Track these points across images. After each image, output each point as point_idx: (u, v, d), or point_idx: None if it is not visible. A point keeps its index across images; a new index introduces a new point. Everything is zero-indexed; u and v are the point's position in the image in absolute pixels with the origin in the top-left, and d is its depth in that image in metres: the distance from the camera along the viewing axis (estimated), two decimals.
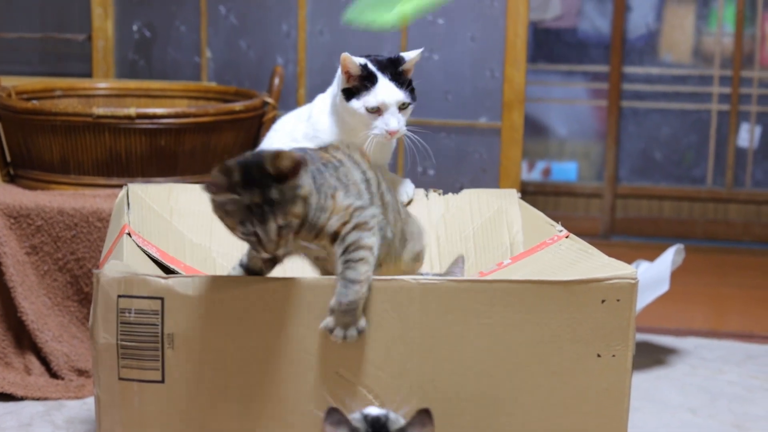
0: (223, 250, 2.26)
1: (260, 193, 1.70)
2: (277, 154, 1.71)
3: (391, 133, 2.24)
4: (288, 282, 1.79)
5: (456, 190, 2.46)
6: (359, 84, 2.23)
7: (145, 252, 2.03)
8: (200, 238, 2.26)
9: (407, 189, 2.41)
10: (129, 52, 3.75)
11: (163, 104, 3.25)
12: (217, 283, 1.78)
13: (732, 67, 4.62)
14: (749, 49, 4.64)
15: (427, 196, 2.43)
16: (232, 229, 1.75)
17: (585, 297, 1.81)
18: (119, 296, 1.77)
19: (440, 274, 2.17)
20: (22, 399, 2.67)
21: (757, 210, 4.65)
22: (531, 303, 1.80)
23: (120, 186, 2.45)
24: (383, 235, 1.86)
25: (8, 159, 3.01)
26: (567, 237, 2.12)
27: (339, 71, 2.30)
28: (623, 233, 4.70)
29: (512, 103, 3.57)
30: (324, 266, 1.92)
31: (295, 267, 1.95)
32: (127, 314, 1.76)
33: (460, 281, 1.81)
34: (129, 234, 2.04)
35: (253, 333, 1.78)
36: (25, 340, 2.78)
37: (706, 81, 4.68)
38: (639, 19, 4.72)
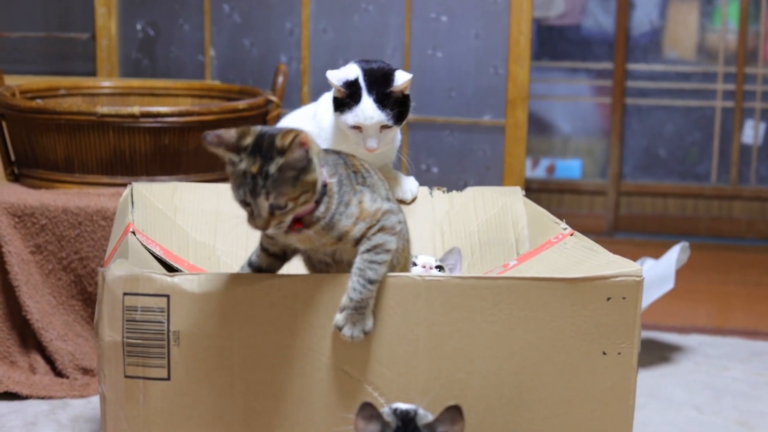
0: (227, 249, 2.26)
1: (260, 164, 1.67)
2: (287, 131, 1.69)
3: (369, 151, 2.24)
4: (293, 279, 1.79)
5: (460, 187, 2.46)
6: (346, 98, 2.23)
7: (149, 251, 2.03)
8: (204, 236, 2.27)
9: (411, 186, 2.41)
10: (133, 51, 3.75)
11: (166, 103, 3.25)
12: (222, 280, 1.78)
13: (736, 64, 4.62)
14: (753, 46, 4.64)
15: (431, 193, 2.43)
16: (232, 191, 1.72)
17: (590, 294, 1.81)
18: (125, 294, 1.77)
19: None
20: (27, 398, 2.67)
21: (761, 207, 4.65)
22: (536, 300, 1.80)
23: (124, 185, 2.45)
24: (403, 242, 1.86)
25: (12, 158, 3.01)
26: (572, 235, 2.11)
27: None
28: (627, 231, 4.70)
29: (516, 101, 3.56)
30: (327, 271, 1.90)
31: (301, 266, 1.95)
32: (134, 312, 1.76)
33: (465, 278, 1.81)
34: (133, 233, 2.04)
35: (258, 330, 1.78)
36: (29, 339, 2.79)
37: (710, 78, 4.67)
38: (643, 17, 4.72)
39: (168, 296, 1.77)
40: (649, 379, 2.90)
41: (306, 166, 1.69)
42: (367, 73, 2.25)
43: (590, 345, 1.82)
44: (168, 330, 1.77)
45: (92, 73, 3.76)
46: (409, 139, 3.62)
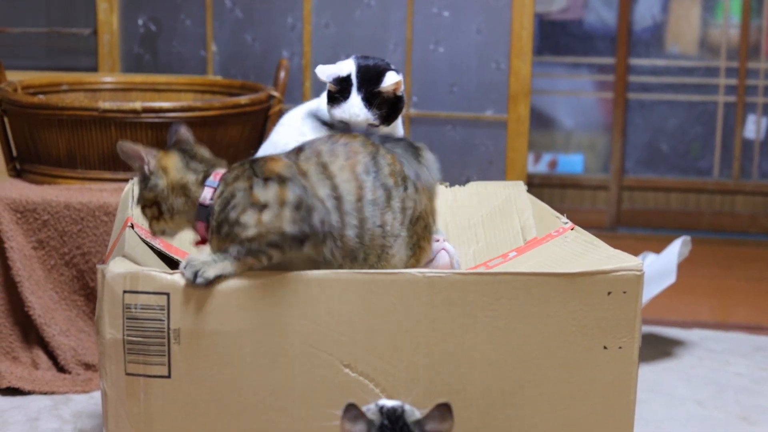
0: None
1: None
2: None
3: None
4: (294, 276, 1.79)
5: (462, 182, 2.46)
6: (336, 93, 2.24)
7: (147, 244, 2.03)
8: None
9: None
10: (134, 46, 3.75)
11: (168, 98, 3.25)
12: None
13: (738, 59, 4.61)
14: (755, 40, 4.63)
15: None
16: None
17: (591, 289, 1.81)
18: (125, 292, 1.77)
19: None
20: (29, 393, 2.67)
21: (763, 201, 4.65)
22: (537, 295, 1.80)
23: (126, 180, 2.46)
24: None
25: (14, 153, 3.01)
26: (572, 229, 2.11)
27: None
28: (630, 225, 4.70)
29: (518, 96, 3.56)
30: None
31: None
32: (134, 310, 1.77)
33: (466, 274, 1.81)
34: (132, 226, 2.05)
35: (259, 327, 1.78)
36: (32, 335, 2.79)
37: (712, 72, 4.67)
38: (645, 11, 4.71)
39: (168, 294, 1.77)
40: (651, 374, 2.91)
41: (152, 179, 1.86)
42: (360, 71, 2.25)
43: (591, 339, 1.82)
44: (168, 328, 1.77)
45: (94, 69, 3.76)
46: (412, 134, 3.62)
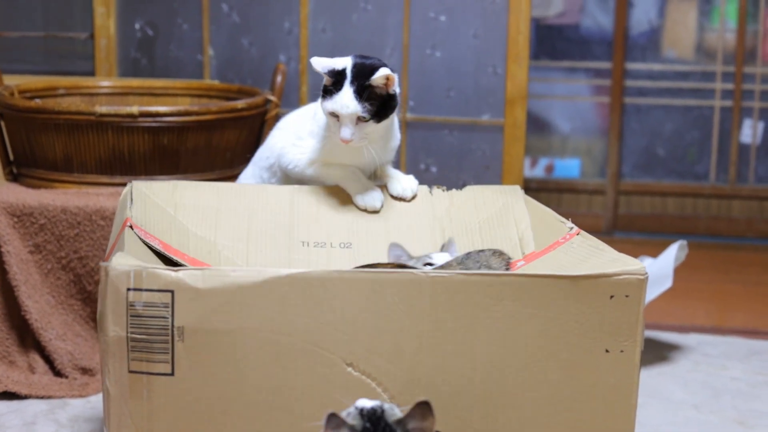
0: (228, 243, 2.26)
1: None
2: None
3: (343, 141, 2.26)
4: (298, 275, 1.79)
5: (459, 186, 2.46)
6: (331, 85, 2.26)
7: (147, 244, 2.03)
8: (205, 231, 2.26)
9: (411, 185, 2.42)
10: (131, 51, 3.75)
11: (165, 102, 3.25)
12: (227, 275, 1.78)
13: (735, 63, 4.62)
14: (752, 45, 4.64)
15: (430, 192, 2.43)
16: None
17: (593, 292, 1.81)
18: (128, 289, 1.77)
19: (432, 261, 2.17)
20: (26, 397, 2.67)
21: (760, 206, 4.65)
22: (539, 297, 1.80)
23: (123, 184, 2.46)
24: None
25: (11, 158, 3.01)
26: (578, 234, 2.12)
27: None
28: (626, 230, 4.70)
29: (515, 100, 3.57)
30: None
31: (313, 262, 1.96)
32: (138, 307, 1.77)
33: (469, 275, 1.81)
34: (131, 227, 2.05)
35: (262, 326, 1.79)
36: (28, 339, 2.79)
37: (708, 77, 4.68)
38: (641, 16, 4.72)
39: (172, 291, 1.77)
40: (647, 378, 2.91)
41: None
42: (356, 66, 2.27)
43: (593, 342, 1.82)
44: (172, 325, 1.77)
45: (91, 73, 3.76)
46: (408, 139, 3.62)
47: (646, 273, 1.83)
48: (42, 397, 2.67)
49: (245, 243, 2.26)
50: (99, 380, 2.71)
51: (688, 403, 2.76)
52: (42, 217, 2.76)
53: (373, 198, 2.37)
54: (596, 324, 1.82)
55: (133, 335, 1.78)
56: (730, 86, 4.64)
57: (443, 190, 2.45)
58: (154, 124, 2.82)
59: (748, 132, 4.65)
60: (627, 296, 1.82)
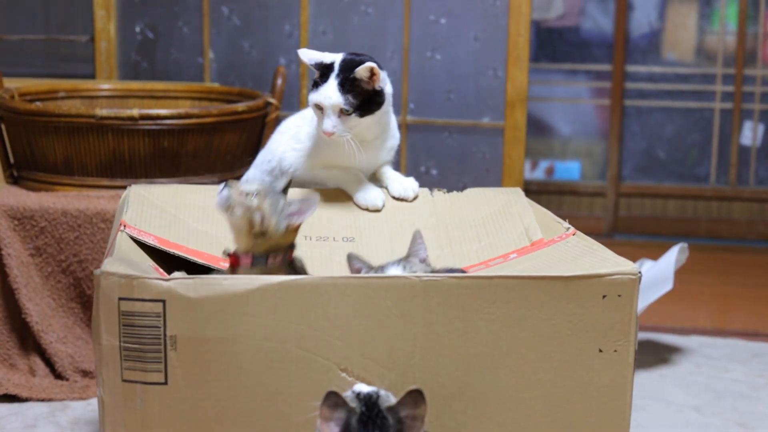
0: (230, 236, 2.26)
1: None
2: None
3: (325, 133, 2.26)
4: (290, 282, 1.79)
5: (459, 189, 2.46)
6: (319, 79, 2.27)
7: (139, 242, 2.03)
8: (205, 226, 2.25)
9: (412, 185, 2.42)
10: (132, 54, 3.75)
11: (166, 105, 3.25)
12: (218, 284, 1.78)
13: (735, 66, 4.62)
14: (752, 47, 4.64)
15: (431, 194, 2.43)
16: None
17: (586, 292, 1.81)
18: (120, 299, 1.77)
19: (402, 259, 2.12)
20: (26, 400, 2.67)
21: (760, 208, 4.65)
22: (532, 299, 1.80)
23: (123, 187, 2.46)
24: None
25: (12, 160, 3.01)
26: (574, 234, 2.12)
27: None
28: (626, 232, 4.70)
29: (515, 103, 3.57)
30: None
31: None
32: (130, 317, 1.76)
33: (461, 278, 1.81)
34: (124, 227, 2.05)
35: (255, 333, 1.78)
36: (29, 342, 2.79)
37: (709, 79, 4.68)
38: (642, 18, 4.72)
39: (164, 301, 1.77)
40: (648, 381, 2.90)
41: None
42: (345, 61, 2.28)
43: (586, 342, 1.83)
44: (164, 335, 1.77)
45: (91, 76, 3.76)
46: (409, 141, 3.62)
47: (639, 273, 1.83)
48: (42, 400, 2.67)
49: None
50: None
51: (689, 405, 2.76)
52: (42, 220, 2.76)
53: (375, 196, 2.36)
54: (589, 324, 1.82)
55: (126, 344, 1.78)
56: (730, 88, 4.64)
57: (444, 192, 2.45)
58: (154, 127, 2.82)
59: (749, 134, 4.65)
60: (619, 296, 1.82)
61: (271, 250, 1.96)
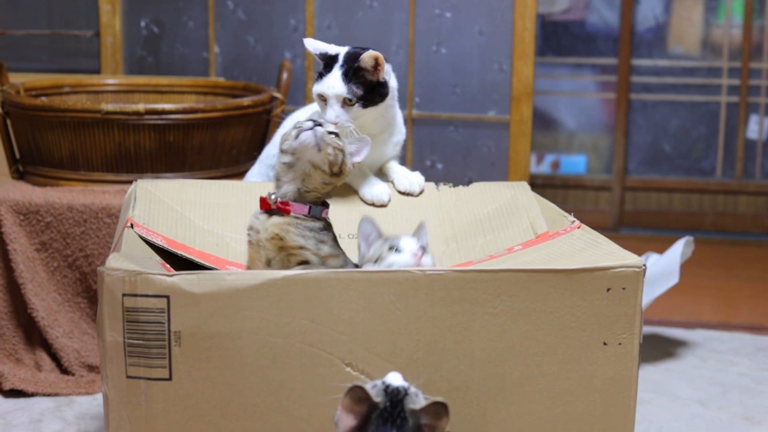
0: (237, 236, 2.26)
1: None
2: None
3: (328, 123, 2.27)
4: (293, 276, 1.79)
5: (465, 183, 2.46)
6: (323, 70, 2.28)
7: (149, 242, 2.03)
8: (212, 225, 2.26)
9: (418, 179, 2.41)
10: (137, 49, 3.76)
11: (171, 100, 3.26)
12: (222, 279, 1.78)
13: (741, 59, 4.61)
14: (758, 41, 4.63)
15: (437, 188, 2.43)
16: None
17: (590, 285, 1.81)
18: (124, 295, 1.77)
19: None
20: (32, 395, 2.68)
21: (766, 202, 4.65)
22: (536, 292, 1.80)
23: (129, 182, 2.46)
24: None
25: (17, 156, 3.02)
26: (579, 228, 2.12)
27: None
28: (632, 226, 4.70)
29: (521, 97, 3.56)
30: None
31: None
32: (134, 313, 1.77)
33: (465, 272, 1.81)
34: (132, 226, 2.05)
35: (259, 328, 1.78)
36: (35, 337, 2.79)
37: (714, 73, 4.67)
38: (647, 12, 4.71)
39: (168, 297, 1.77)
40: (654, 375, 2.90)
41: None
42: (349, 52, 2.28)
43: (591, 336, 1.82)
44: (169, 330, 1.77)
45: (97, 71, 3.76)
46: (414, 135, 3.62)
47: (643, 266, 1.83)
48: (48, 395, 2.68)
49: None
50: None
51: (694, 399, 2.76)
52: (48, 215, 2.76)
53: (381, 191, 2.36)
54: (593, 317, 1.82)
55: (130, 340, 1.78)
56: (736, 82, 4.63)
57: (450, 187, 2.45)
58: (160, 122, 2.82)
59: (755, 127, 4.64)
60: (624, 289, 1.82)
61: (322, 198, 2.02)
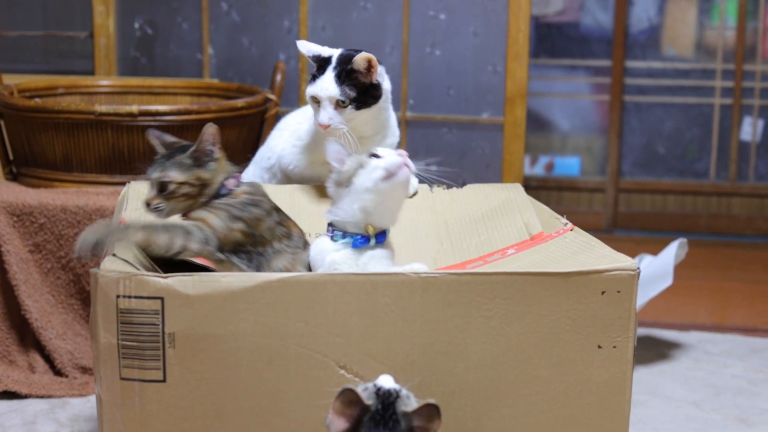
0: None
1: None
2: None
3: (321, 126, 2.26)
4: (289, 278, 1.79)
5: (459, 185, 2.46)
6: (316, 72, 2.28)
7: None
8: None
9: (412, 182, 2.41)
10: (131, 50, 3.75)
11: (165, 101, 3.25)
12: (216, 281, 1.78)
13: (734, 61, 4.62)
14: (752, 43, 4.64)
15: (431, 189, 2.43)
16: None
17: (585, 288, 1.81)
18: (118, 296, 1.77)
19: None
20: (26, 397, 2.67)
21: (760, 204, 4.65)
22: (531, 295, 1.80)
23: (123, 183, 2.46)
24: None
25: (11, 157, 3.01)
26: (572, 230, 2.12)
27: None
28: (626, 228, 4.70)
29: (514, 98, 3.56)
30: None
31: None
32: (128, 314, 1.76)
33: (461, 274, 1.81)
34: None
35: (254, 330, 1.78)
36: (29, 338, 2.79)
37: (708, 75, 4.67)
38: (641, 13, 4.72)
39: (162, 298, 1.76)
40: (648, 377, 2.91)
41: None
42: (342, 54, 2.28)
43: (585, 338, 1.83)
44: (163, 332, 1.77)
45: (90, 72, 3.76)
46: (408, 137, 3.62)
47: (638, 269, 1.83)
48: (42, 397, 2.67)
49: None
50: None
51: (688, 401, 2.76)
52: (42, 217, 2.76)
53: None
54: (588, 320, 1.82)
55: (124, 342, 1.78)
56: (730, 84, 4.64)
57: (444, 189, 2.45)
58: (153, 123, 2.82)
59: (748, 129, 4.64)
60: (618, 292, 1.82)
61: None
